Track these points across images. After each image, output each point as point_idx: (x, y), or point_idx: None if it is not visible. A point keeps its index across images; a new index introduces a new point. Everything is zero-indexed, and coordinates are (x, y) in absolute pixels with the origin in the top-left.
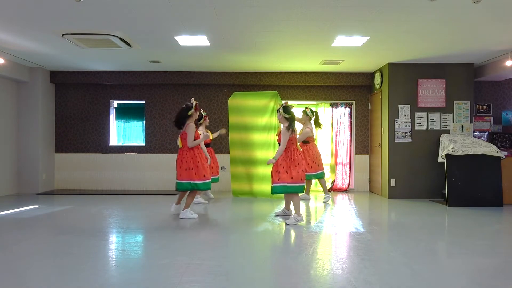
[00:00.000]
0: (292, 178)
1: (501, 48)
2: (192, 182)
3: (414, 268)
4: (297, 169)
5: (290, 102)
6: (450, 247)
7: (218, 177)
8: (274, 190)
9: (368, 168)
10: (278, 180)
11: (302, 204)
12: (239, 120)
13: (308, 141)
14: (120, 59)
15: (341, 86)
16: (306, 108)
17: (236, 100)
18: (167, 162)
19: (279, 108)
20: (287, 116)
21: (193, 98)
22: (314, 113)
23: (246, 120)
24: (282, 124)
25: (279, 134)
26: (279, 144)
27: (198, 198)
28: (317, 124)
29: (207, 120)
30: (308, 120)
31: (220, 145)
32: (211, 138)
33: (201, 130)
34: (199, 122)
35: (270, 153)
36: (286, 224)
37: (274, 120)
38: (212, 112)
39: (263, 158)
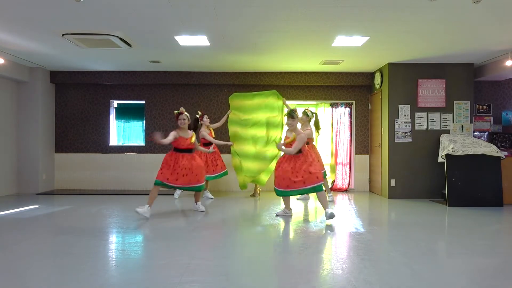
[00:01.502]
0: (304, 183)
1: (501, 48)
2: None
3: (414, 268)
4: (310, 169)
5: (290, 102)
6: (450, 247)
7: (225, 171)
8: (290, 194)
9: (368, 168)
10: (290, 186)
11: (301, 204)
12: (240, 118)
13: (307, 142)
14: (120, 59)
15: (341, 86)
16: (306, 109)
17: (236, 101)
18: None
19: (292, 112)
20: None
21: (181, 108)
22: (314, 115)
23: (247, 119)
24: (298, 128)
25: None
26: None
27: (207, 194)
28: (317, 126)
29: (205, 119)
30: (307, 121)
31: (220, 145)
32: (211, 131)
33: (204, 131)
34: (199, 123)
35: (271, 150)
36: (327, 219)
37: (276, 117)
38: (212, 112)
39: (263, 155)
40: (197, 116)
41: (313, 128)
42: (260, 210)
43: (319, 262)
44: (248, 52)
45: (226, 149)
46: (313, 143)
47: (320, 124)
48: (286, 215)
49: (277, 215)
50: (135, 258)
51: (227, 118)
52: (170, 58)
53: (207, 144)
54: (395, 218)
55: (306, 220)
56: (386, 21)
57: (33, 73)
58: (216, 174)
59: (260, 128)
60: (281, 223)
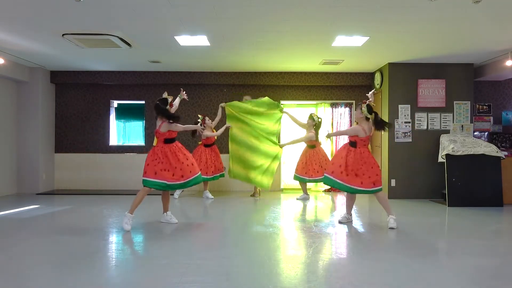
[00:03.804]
0: (362, 183)
1: (501, 48)
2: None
3: (414, 268)
4: (368, 173)
5: (290, 102)
6: (450, 247)
7: (222, 173)
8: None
9: None
10: (348, 181)
11: (301, 204)
12: (239, 125)
13: (314, 145)
14: (120, 59)
15: (341, 86)
16: (312, 114)
17: (234, 108)
18: None
19: (361, 106)
20: (368, 116)
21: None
22: (320, 120)
23: (246, 123)
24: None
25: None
26: (351, 144)
27: (207, 194)
28: (317, 131)
29: (207, 121)
30: (312, 125)
31: (221, 145)
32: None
33: (207, 132)
34: (203, 126)
35: (273, 149)
36: (391, 228)
37: (274, 127)
38: (212, 112)
39: (265, 151)
40: (199, 120)
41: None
42: (260, 210)
43: (319, 262)
44: (248, 52)
45: (225, 150)
46: (320, 146)
47: (319, 130)
48: (349, 221)
49: (340, 222)
50: (135, 258)
51: (224, 116)
52: (170, 58)
53: (208, 145)
54: (395, 218)
55: (306, 220)
56: (386, 21)
57: (33, 73)
58: (213, 176)
59: (260, 128)
60: (281, 223)
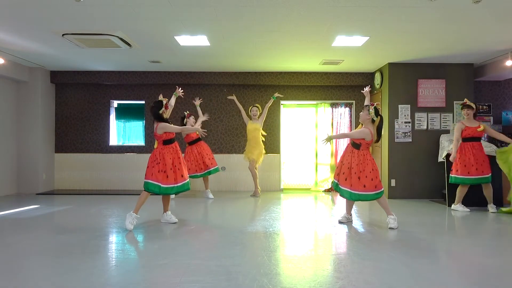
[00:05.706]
0: (364, 186)
1: (501, 48)
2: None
3: (414, 268)
4: (371, 176)
5: (290, 102)
6: (450, 247)
7: (216, 168)
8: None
9: None
10: (350, 186)
11: (299, 204)
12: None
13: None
14: (120, 59)
15: (341, 86)
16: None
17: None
18: None
19: (368, 107)
20: (375, 118)
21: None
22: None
23: None
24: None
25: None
26: (355, 145)
27: (207, 193)
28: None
29: (191, 119)
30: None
31: (220, 145)
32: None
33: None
34: (185, 121)
35: None
36: (391, 228)
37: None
38: (212, 112)
39: None
40: (186, 113)
41: None
42: (260, 210)
43: (319, 262)
44: (248, 52)
45: (225, 149)
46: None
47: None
48: (349, 221)
49: (340, 222)
50: (135, 258)
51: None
52: (170, 58)
53: (192, 142)
54: (395, 218)
55: (306, 220)
56: (386, 21)
57: (33, 73)
58: (204, 171)
59: None
60: (281, 223)
